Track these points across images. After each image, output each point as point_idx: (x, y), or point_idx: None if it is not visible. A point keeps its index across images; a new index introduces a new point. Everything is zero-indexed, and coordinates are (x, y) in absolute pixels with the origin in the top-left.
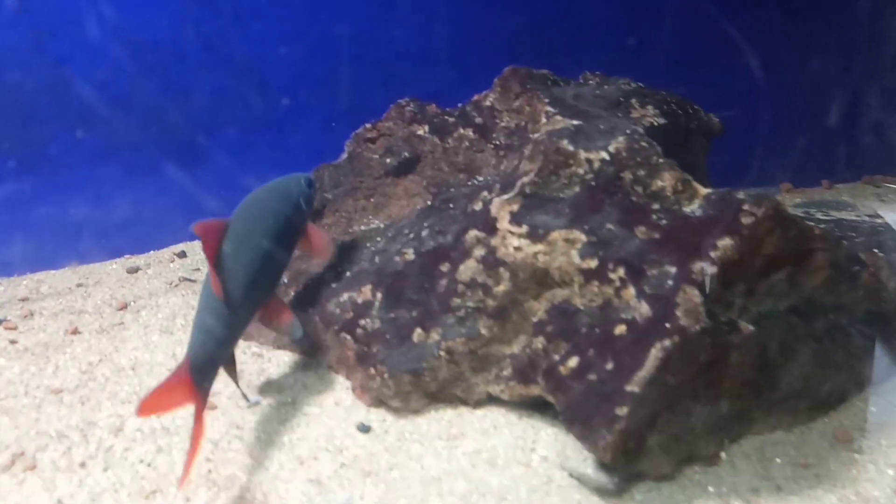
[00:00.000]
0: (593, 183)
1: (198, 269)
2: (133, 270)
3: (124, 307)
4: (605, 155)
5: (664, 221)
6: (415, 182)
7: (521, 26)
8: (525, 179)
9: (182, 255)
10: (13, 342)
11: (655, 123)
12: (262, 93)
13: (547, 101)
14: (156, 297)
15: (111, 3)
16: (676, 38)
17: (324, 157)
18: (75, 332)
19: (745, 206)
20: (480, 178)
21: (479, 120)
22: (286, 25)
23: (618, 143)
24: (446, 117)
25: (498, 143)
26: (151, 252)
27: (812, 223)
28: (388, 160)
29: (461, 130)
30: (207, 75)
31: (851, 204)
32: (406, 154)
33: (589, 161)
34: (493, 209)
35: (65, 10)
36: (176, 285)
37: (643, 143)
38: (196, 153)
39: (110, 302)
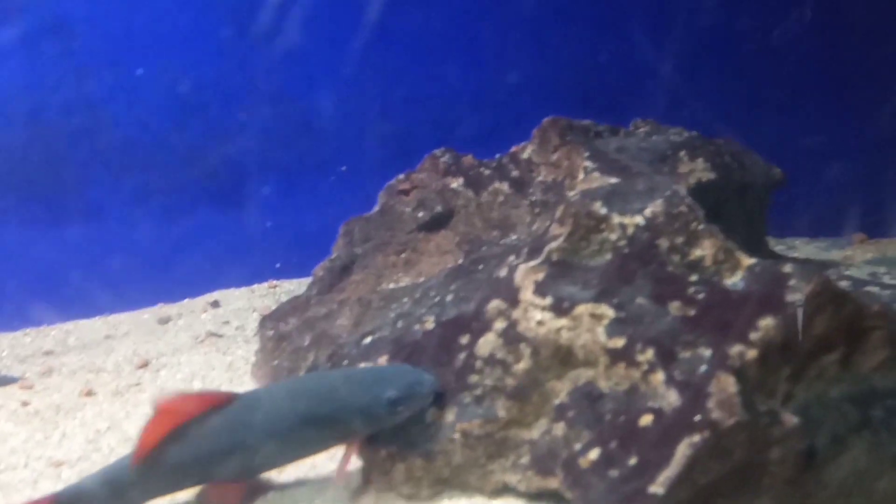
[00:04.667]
0: (626, 251)
1: (227, 322)
2: (164, 321)
3: (144, 365)
4: (640, 220)
5: (702, 296)
6: (447, 238)
7: (578, 70)
8: (553, 245)
9: (216, 304)
10: (25, 404)
11: (704, 179)
12: (307, 135)
13: (587, 154)
14: (179, 354)
15: (153, 43)
16: (751, 84)
17: (370, 202)
18: (89, 393)
19: (791, 282)
20: (514, 237)
21: (515, 173)
22: (333, 67)
23: (655, 207)
24: (482, 169)
25: (534, 198)
26: (186, 300)
27: (869, 298)
28: (420, 214)
29: (496, 184)
30: (251, 117)
31: None
32: (439, 208)
33: (623, 226)
34: (518, 278)
35: (107, 51)
36: (202, 340)
37: (683, 207)
38: (237, 196)
39: (132, 358)
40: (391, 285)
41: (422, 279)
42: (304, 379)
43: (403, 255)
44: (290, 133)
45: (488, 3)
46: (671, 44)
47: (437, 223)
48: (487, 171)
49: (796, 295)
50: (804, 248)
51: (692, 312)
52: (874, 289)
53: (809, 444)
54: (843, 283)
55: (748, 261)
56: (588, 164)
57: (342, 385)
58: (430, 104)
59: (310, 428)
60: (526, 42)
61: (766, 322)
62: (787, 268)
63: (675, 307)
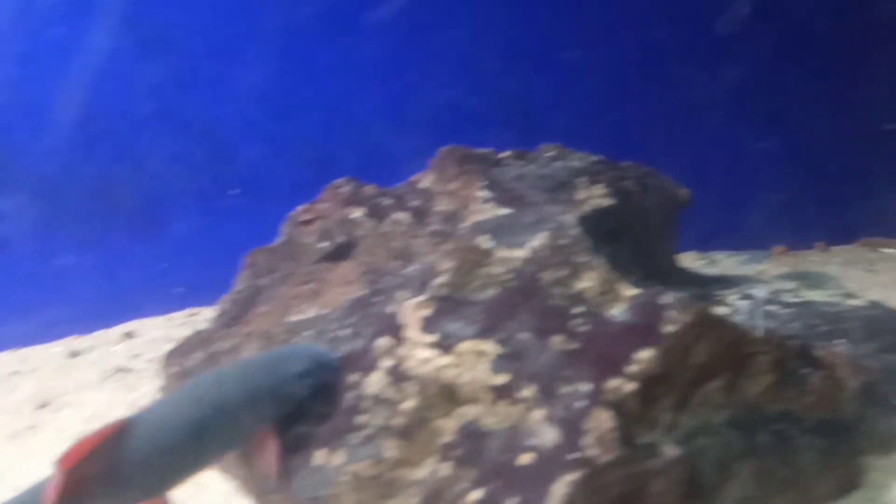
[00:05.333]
0: (511, 285)
1: (140, 355)
2: (74, 354)
3: (45, 405)
4: (524, 253)
5: (584, 329)
6: (351, 268)
7: (500, 92)
8: (439, 280)
9: (130, 335)
10: None
11: (602, 205)
12: (223, 159)
13: (482, 184)
14: (83, 392)
15: (57, 68)
16: (680, 99)
17: None
18: None
19: (668, 313)
20: (414, 267)
21: (415, 203)
22: (248, 91)
23: (539, 240)
24: (383, 199)
25: (433, 229)
26: (99, 332)
27: (753, 324)
28: (323, 244)
29: (397, 214)
30: (163, 141)
31: (834, 277)
32: (341, 238)
33: (507, 260)
34: (404, 314)
35: (9, 78)
36: (109, 376)
37: (566, 240)
38: (151, 224)
39: (34, 397)
40: (297, 317)
41: (327, 310)
42: (206, 377)
43: (308, 286)
44: (204, 159)
45: (408, 27)
46: (594, 61)
47: (340, 253)
48: (388, 201)
49: (673, 326)
50: (725, 262)
51: (574, 346)
52: (775, 307)
53: (694, 472)
54: (744, 303)
55: (630, 292)
56: (483, 193)
57: (247, 372)
58: (351, 128)
59: (222, 420)
60: (448, 65)
61: (644, 354)
62: (666, 298)
63: (557, 341)
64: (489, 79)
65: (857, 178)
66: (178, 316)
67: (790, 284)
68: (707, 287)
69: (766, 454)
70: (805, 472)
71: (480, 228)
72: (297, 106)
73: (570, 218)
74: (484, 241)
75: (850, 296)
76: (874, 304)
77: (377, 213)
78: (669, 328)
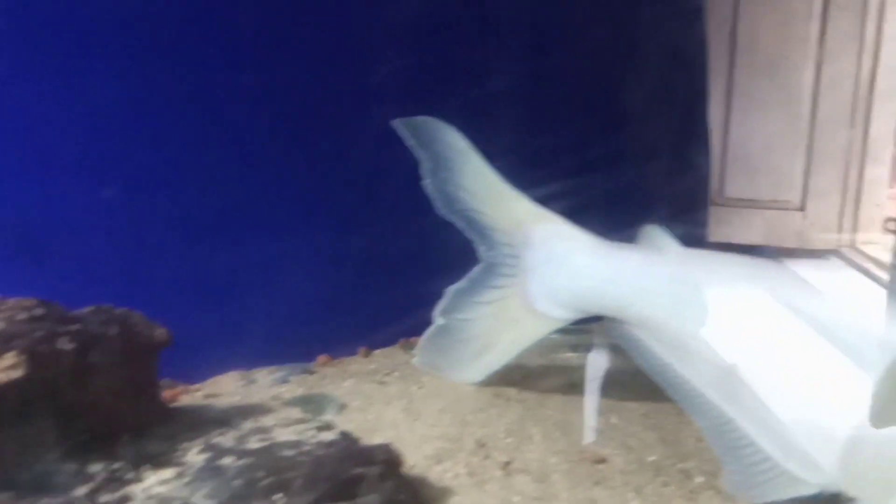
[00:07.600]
0: None
1: None
2: None
3: None
4: None
5: None
6: None
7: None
8: None
9: None
10: None
11: (6, 379)
12: None
13: None
14: None
15: None
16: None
17: None
18: None
19: None
20: None
21: None
22: None
23: None
24: None
25: None
26: None
27: None
28: None
29: None
30: None
31: (336, 398)
32: None
33: None
34: None
35: None
36: None
37: None
38: None
39: None
40: None
41: None
42: None
43: None
44: None
45: None
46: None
47: None
48: None
49: None
50: (262, 381)
51: None
52: (231, 459)
53: None
54: (201, 458)
55: None
56: None
57: None
58: None
59: None
60: None
61: None
62: None
63: None
64: None
65: (397, 277)
66: None
67: (286, 414)
68: (174, 440)
69: None
70: None
71: None
72: None
73: None
74: None
75: (326, 427)
76: (343, 437)
77: None
78: None
